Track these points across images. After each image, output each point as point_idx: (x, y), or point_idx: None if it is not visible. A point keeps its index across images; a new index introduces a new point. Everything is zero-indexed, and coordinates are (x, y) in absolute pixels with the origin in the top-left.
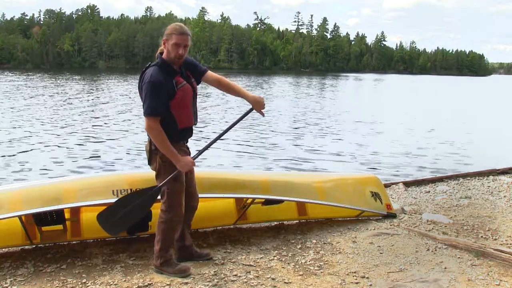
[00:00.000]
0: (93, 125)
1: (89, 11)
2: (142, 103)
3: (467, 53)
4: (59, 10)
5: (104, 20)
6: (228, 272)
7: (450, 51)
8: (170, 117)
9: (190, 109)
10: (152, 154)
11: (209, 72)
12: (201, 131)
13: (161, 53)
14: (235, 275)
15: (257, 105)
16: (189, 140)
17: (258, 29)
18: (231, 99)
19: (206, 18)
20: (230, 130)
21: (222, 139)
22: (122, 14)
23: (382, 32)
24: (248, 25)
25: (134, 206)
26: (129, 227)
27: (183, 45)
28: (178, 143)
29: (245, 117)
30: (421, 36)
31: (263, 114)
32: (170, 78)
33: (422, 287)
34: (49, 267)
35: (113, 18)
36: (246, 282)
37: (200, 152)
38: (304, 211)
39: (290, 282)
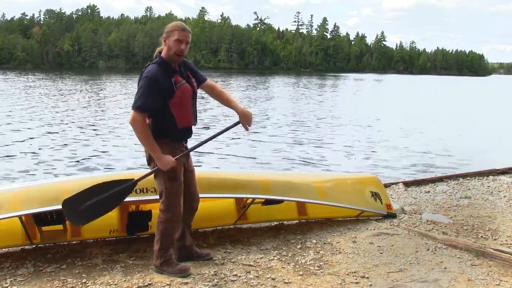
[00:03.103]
0: (92, 125)
1: (89, 11)
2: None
3: (467, 53)
4: (59, 10)
5: (104, 20)
6: (228, 272)
7: (450, 51)
8: (169, 116)
9: (190, 109)
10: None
11: (208, 81)
12: (201, 133)
13: (160, 53)
14: (235, 275)
15: (245, 119)
16: (188, 141)
17: (258, 29)
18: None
19: (206, 18)
20: (215, 138)
21: (220, 140)
22: (122, 14)
23: (382, 32)
24: (248, 25)
25: (106, 197)
26: (95, 218)
27: (184, 41)
28: (178, 143)
29: (230, 129)
30: (421, 36)
31: (247, 129)
32: (169, 77)
33: (422, 287)
34: (49, 267)
35: (113, 18)
36: (246, 282)
37: (183, 154)
38: (304, 211)
39: (290, 282)
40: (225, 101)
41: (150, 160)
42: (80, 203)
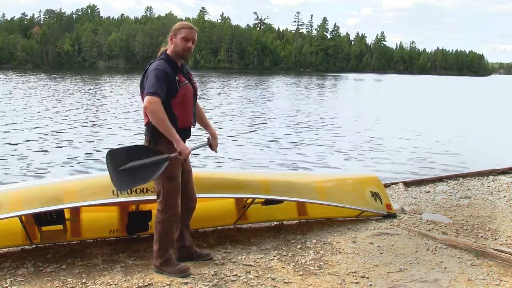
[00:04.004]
0: (92, 125)
1: (89, 11)
2: (143, 91)
3: (467, 53)
4: (59, 10)
5: (104, 20)
6: (228, 272)
7: (450, 51)
8: (171, 115)
9: (191, 109)
10: None
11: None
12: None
13: (165, 51)
14: (235, 275)
15: (213, 140)
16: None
17: (258, 29)
18: (230, 102)
19: (206, 18)
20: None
21: (220, 140)
22: (122, 14)
23: (382, 32)
24: (248, 25)
25: (147, 163)
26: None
27: (191, 39)
28: None
29: (199, 148)
30: (421, 36)
31: (216, 151)
32: (174, 75)
33: (422, 287)
34: (49, 267)
35: (113, 18)
36: (246, 282)
37: (198, 146)
38: (304, 211)
39: (290, 282)
40: (203, 121)
41: None
42: (123, 159)
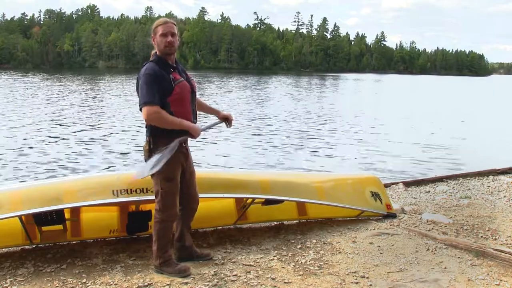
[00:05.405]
0: (92, 125)
1: (89, 11)
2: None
3: (467, 53)
4: (59, 10)
5: (104, 20)
6: (228, 272)
7: (450, 51)
8: (169, 114)
9: (189, 106)
10: (150, 154)
11: None
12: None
13: (155, 53)
14: (235, 275)
15: (225, 117)
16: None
17: (258, 29)
18: (230, 102)
19: (206, 18)
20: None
21: (220, 140)
22: (122, 14)
23: (382, 32)
24: (248, 25)
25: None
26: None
27: (169, 33)
28: None
29: (213, 127)
30: (421, 36)
31: (231, 125)
32: (167, 73)
33: (422, 287)
34: (49, 267)
35: (113, 18)
36: (246, 282)
37: (209, 126)
38: (304, 211)
39: (290, 282)
40: (208, 108)
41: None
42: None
